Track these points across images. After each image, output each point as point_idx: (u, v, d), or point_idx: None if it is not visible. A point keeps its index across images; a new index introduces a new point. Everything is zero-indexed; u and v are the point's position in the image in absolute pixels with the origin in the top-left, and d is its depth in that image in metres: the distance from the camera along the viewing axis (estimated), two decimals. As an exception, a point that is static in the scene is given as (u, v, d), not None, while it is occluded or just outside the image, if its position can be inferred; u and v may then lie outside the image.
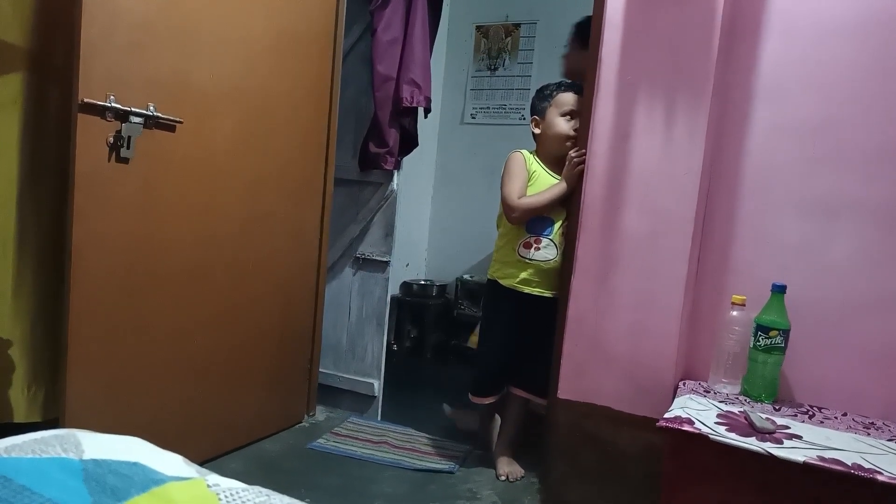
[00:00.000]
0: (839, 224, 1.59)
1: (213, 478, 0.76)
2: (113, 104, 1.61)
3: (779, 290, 1.54)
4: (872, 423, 1.47)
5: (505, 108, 3.81)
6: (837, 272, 1.59)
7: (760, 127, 1.67)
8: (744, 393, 1.58)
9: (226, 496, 0.70)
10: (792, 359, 1.58)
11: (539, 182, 2.06)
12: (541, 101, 2.13)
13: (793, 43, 1.63)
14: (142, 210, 1.75)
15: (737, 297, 1.60)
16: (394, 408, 2.68)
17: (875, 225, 1.56)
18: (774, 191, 1.66)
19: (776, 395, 1.58)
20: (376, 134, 2.50)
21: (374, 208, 2.62)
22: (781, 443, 1.26)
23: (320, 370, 2.61)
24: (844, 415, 1.52)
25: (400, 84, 2.41)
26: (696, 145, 1.62)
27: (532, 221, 2.06)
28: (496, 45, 3.88)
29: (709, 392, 1.59)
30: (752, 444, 1.24)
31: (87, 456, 0.75)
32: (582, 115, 1.91)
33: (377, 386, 2.63)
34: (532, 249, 2.07)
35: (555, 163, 2.13)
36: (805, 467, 1.17)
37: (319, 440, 2.33)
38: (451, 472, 2.15)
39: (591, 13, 1.85)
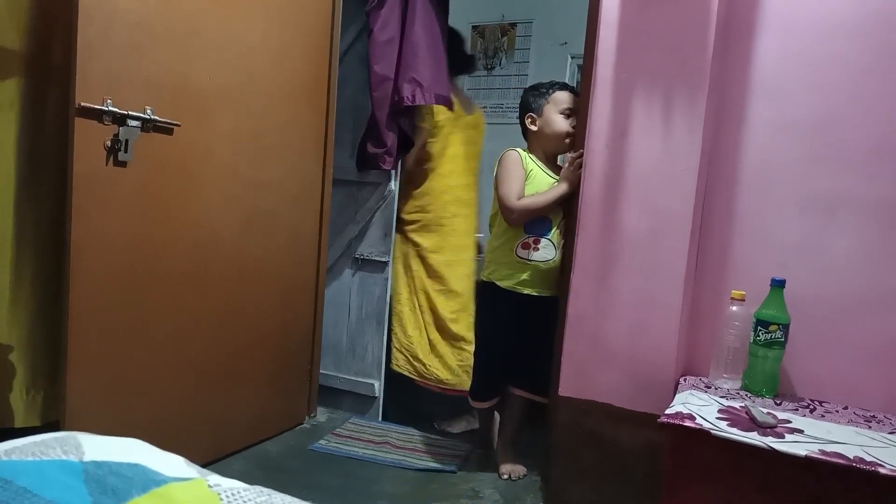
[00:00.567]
0: (838, 221, 1.59)
1: (214, 478, 0.76)
2: (110, 108, 1.61)
3: (778, 284, 1.54)
4: (873, 417, 1.47)
5: (502, 108, 3.81)
6: (837, 269, 1.59)
7: (759, 124, 1.67)
8: (744, 388, 1.59)
9: (227, 496, 0.70)
10: (793, 354, 1.58)
11: (536, 181, 2.04)
12: (536, 98, 2.10)
13: (790, 39, 1.63)
14: (140, 212, 1.75)
15: (736, 293, 1.61)
16: (395, 408, 2.68)
17: (874, 221, 1.56)
18: (773, 188, 1.66)
19: (777, 389, 1.58)
20: (374, 134, 2.49)
21: (373, 208, 2.62)
22: (783, 437, 1.26)
23: (321, 371, 2.61)
24: (845, 408, 1.52)
25: (399, 83, 2.39)
26: (694, 142, 1.62)
27: (531, 222, 2.04)
28: (492, 44, 3.88)
29: (710, 388, 1.59)
30: (753, 438, 1.24)
31: (87, 457, 0.75)
32: (579, 113, 1.91)
33: (378, 386, 2.63)
34: (531, 250, 2.04)
35: (551, 160, 2.13)
36: (807, 461, 1.17)
37: (321, 441, 2.33)
38: (452, 472, 2.15)
39: (585, 12, 1.85)
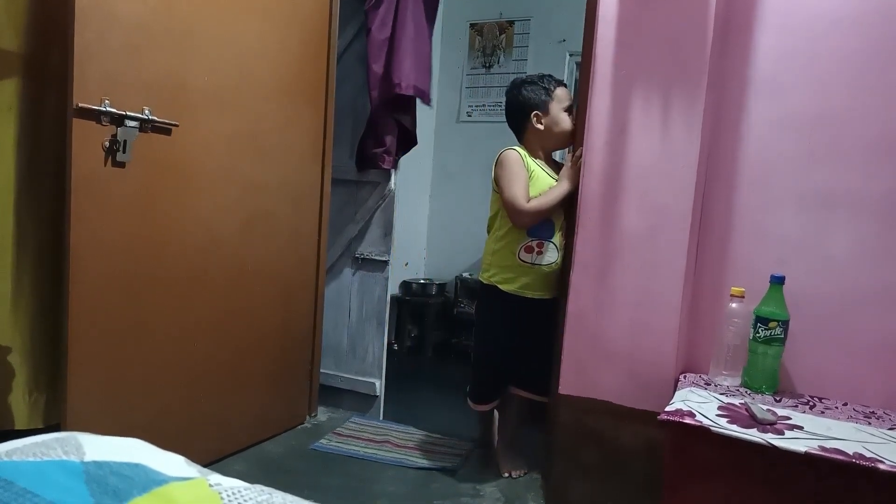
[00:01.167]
0: (838, 217, 1.59)
1: (215, 477, 0.76)
2: (108, 108, 1.61)
3: (777, 281, 1.54)
4: (873, 413, 1.47)
5: (501, 106, 3.79)
6: (836, 265, 1.59)
7: (757, 120, 1.67)
8: (744, 385, 1.59)
9: (228, 495, 0.70)
10: (792, 350, 1.58)
11: (538, 181, 1.98)
12: (540, 95, 2.03)
13: (789, 35, 1.63)
14: (140, 213, 1.75)
15: (736, 290, 1.61)
16: (395, 407, 2.68)
17: (873, 217, 1.56)
18: (772, 184, 1.65)
19: (777, 386, 1.58)
20: (373, 133, 2.50)
21: (373, 208, 2.62)
22: (783, 433, 1.26)
23: (321, 371, 2.61)
24: (845, 405, 1.52)
25: (391, 75, 2.40)
26: (693, 139, 1.62)
27: (534, 225, 1.98)
28: (490, 42, 3.88)
29: (709, 385, 1.59)
30: (753, 435, 1.24)
31: (88, 458, 0.75)
32: (578, 110, 1.90)
33: (378, 385, 2.63)
34: (534, 254, 1.99)
35: (548, 158, 2.12)
36: (806, 457, 1.18)
37: (322, 440, 2.33)
38: (453, 471, 2.15)
39: (583, 9, 1.85)
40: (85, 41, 1.55)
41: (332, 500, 1.90)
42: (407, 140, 2.60)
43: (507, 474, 2.12)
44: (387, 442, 2.35)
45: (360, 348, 2.67)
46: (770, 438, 1.22)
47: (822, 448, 1.19)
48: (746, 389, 1.57)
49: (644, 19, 1.66)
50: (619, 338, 1.72)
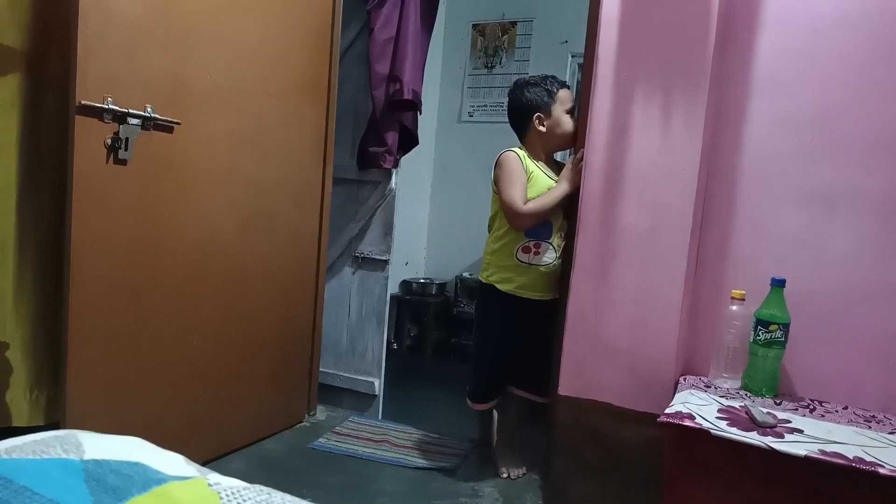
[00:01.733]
0: (838, 215, 1.59)
1: (214, 476, 0.76)
2: (110, 106, 1.61)
3: (778, 284, 1.54)
4: (873, 417, 1.47)
5: (502, 106, 3.79)
6: (837, 264, 1.59)
7: (758, 119, 1.67)
8: (744, 387, 1.58)
9: (227, 495, 0.70)
10: (792, 352, 1.58)
11: (537, 183, 1.98)
12: (542, 97, 2.02)
13: (789, 35, 1.63)
14: (140, 211, 1.75)
15: (736, 292, 1.60)
16: (395, 406, 2.68)
17: (874, 216, 1.56)
18: (773, 183, 1.65)
19: (777, 389, 1.58)
20: (374, 133, 2.50)
21: (373, 207, 2.62)
22: (783, 437, 1.26)
23: (321, 369, 2.61)
24: (845, 408, 1.52)
25: (397, 77, 2.41)
26: (694, 139, 1.62)
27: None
28: (492, 42, 3.88)
29: (709, 387, 1.59)
30: (753, 438, 1.24)
31: (87, 456, 0.75)
32: (580, 111, 1.90)
33: (378, 384, 2.63)
34: (531, 254, 2.00)
35: (548, 160, 2.12)
36: (806, 461, 1.17)
37: (321, 439, 2.33)
38: (452, 470, 2.15)
39: (586, 10, 1.85)
40: (87, 39, 1.55)
41: (331, 498, 1.90)
42: (408, 140, 2.60)
43: (505, 474, 2.12)
44: (386, 441, 2.35)
45: (359, 347, 2.67)
46: (770, 442, 1.22)
47: (822, 452, 1.19)
48: (746, 392, 1.56)
49: (646, 20, 1.66)
50: (620, 337, 1.71)
